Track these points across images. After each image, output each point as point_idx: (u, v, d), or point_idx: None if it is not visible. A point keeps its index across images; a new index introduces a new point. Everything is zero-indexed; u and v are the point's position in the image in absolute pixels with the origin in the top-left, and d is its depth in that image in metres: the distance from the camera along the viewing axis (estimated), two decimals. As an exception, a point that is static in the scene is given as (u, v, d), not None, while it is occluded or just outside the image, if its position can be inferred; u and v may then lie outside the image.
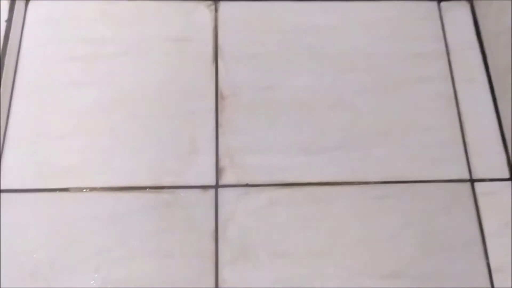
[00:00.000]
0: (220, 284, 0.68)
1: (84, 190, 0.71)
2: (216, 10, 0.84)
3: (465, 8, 0.86)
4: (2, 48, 0.74)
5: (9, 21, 0.76)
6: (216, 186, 0.73)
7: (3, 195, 0.70)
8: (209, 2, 0.84)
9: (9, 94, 0.75)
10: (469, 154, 0.77)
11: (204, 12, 0.83)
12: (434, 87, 0.81)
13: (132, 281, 0.67)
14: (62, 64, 0.78)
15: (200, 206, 0.72)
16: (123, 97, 0.77)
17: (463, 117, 0.79)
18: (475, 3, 0.85)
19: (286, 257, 0.70)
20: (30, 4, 0.81)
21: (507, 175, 0.75)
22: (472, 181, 0.75)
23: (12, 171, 0.71)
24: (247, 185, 0.73)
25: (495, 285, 0.69)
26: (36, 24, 0.80)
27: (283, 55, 0.81)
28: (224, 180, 0.73)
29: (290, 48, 0.82)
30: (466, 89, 0.81)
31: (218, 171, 0.74)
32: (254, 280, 0.68)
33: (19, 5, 0.78)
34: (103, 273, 0.67)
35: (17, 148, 0.73)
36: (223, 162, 0.74)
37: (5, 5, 0.76)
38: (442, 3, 0.86)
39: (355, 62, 0.81)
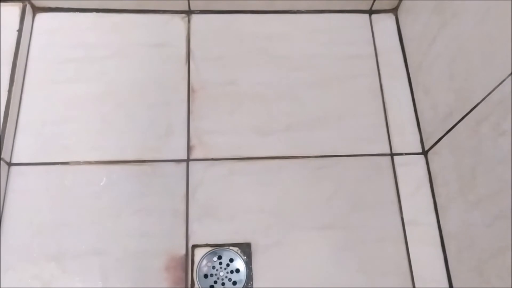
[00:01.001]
0: (190, 235, 0.86)
1: (81, 163, 0.89)
2: (189, 21, 1.02)
3: (391, 19, 1.06)
4: (15, 52, 0.91)
5: (19, 30, 0.93)
6: (187, 160, 0.91)
7: (15, 167, 0.87)
8: (183, 15, 1.03)
9: (20, 89, 0.92)
10: (390, 134, 0.95)
11: (179, 22, 1.02)
12: (364, 82, 1.00)
13: (119, 233, 0.85)
14: (62, 65, 0.95)
15: (174, 176, 0.89)
16: (112, 91, 0.94)
17: (387, 106, 0.98)
18: (399, 16, 1.05)
19: (242, 214, 0.87)
20: (37, 16, 0.99)
21: (420, 150, 0.94)
22: (392, 155, 0.94)
23: (22, 149, 0.88)
24: (212, 159, 0.91)
25: (407, 232, 0.88)
26: (41, 33, 0.97)
27: (243, 57, 1.00)
28: (194, 155, 0.91)
29: (248, 51, 1.00)
30: (390, 83, 1.00)
31: (189, 148, 0.92)
32: (217, 232, 0.86)
33: (28, 18, 0.96)
34: (97, 227, 0.85)
35: (26, 131, 0.90)
36: (193, 141, 0.92)
37: (17, 18, 0.94)
38: (373, 15, 1.06)
39: (301, 62, 1.00)
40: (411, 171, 0.93)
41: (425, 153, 0.93)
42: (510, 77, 0.66)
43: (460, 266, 0.80)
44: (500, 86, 0.68)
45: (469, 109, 0.76)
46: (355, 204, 0.90)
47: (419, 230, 0.88)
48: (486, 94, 0.71)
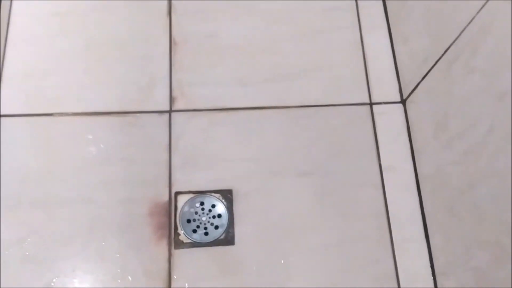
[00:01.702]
0: (173, 182, 0.88)
1: (65, 115, 0.90)
2: (170, -24, 1.03)
3: (372, -28, 1.07)
4: (-3, 6, 0.92)
5: (1, -15, 0.94)
6: (170, 111, 0.93)
7: (1, 119, 0.89)
8: (164, -31, 1.03)
9: (4, 43, 0.93)
10: (370, 84, 0.97)
11: (160, -23, 1.02)
12: (345, 34, 1.01)
13: (104, 182, 0.87)
14: (45, 19, 0.96)
15: (157, 126, 0.91)
16: (94, 44, 0.96)
17: (367, 57, 0.99)
18: (380, -32, 1.06)
19: (224, 163, 0.90)
20: (18, -29, 0.99)
21: (398, 99, 0.96)
22: (371, 104, 0.96)
23: (7, 101, 0.90)
24: (194, 110, 0.93)
25: (384, 178, 0.90)
26: (23, -13, 0.98)
27: (224, 10, 1.00)
28: (176, 106, 0.93)
29: (230, 5, 1.01)
30: (370, 35, 1.01)
31: (171, 99, 0.93)
32: (198, 179, 0.88)
33: (9, -28, 0.97)
34: (82, 176, 0.87)
35: (10, 83, 0.91)
36: (175, 93, 0.94)
37: (-2, -28, 0.94)
38: (354, -32, 1.07)
39: (282, 15, 1.01)
40: (390, 119, 0.95)
41: (403, 101, 0.95)
42: (476, 16, 0.67)
43: (434, 206, 0.83)
44: (469, 26, 0.69)
45: (442, 52, 0.77)
46: (335, 152, 0.92)
47: (396, 176, 0.91)
48: (457, 35, 0.72)
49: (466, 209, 0.72)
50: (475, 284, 0.70)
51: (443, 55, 0.77)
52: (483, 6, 0.66)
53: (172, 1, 1.00)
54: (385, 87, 0.97)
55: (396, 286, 0.84)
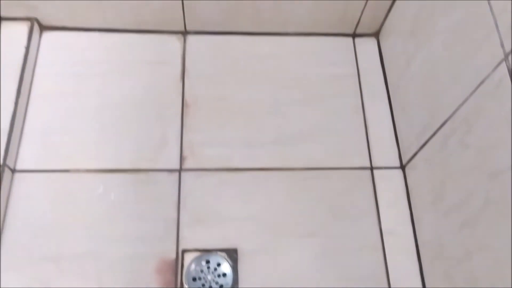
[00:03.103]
0: (180, 240, 0.91)
1: (81, 171, 0.95)
2: (184, 41, 1.10)
3: (373, 43, 1.14)
4: (22, 67, 0.98)
5: (27, 47, 1.00)
6: (180, 170, 0.97)
7: (18, 174, 0.93)
8: (179, 35, 1.10)
9: (26, 100, 0.98)
10: (370, 149, 1.02)
11: (175, 42, 1.09)
12: (347, 100, 1.06)
13: (114, 237, 0.90)
14: (65, 79, 1.02)
15: (167, 184, 0.95)
16: (111, 104, 1.01)
17: (368, 122, 1.04)
18: (380, 39, 1.13)
19: (230, 222, 0.93)
20: (43, 34, 1.06)
21: (398, 165, 1.01)
22: (372, 168, 1.00)
23: (25, 156, 0.94)
24: (203, 170, 0.97)
25: (385, 242, 0.93)
26: (47, 49, 1.04)
27: (234, 75, 1.07)
28: (186, 165, 0.97)
29: (239, 70, 1.07)
30: (371, 102, 1.06)
31: (181, 159, 0.98)
32: (206, 238, 0.92)
33: (35, 35, 1.03)
34: (93, 231, 0.90)
35: (30, 140, 0.96)
36: (186, 152, 0.98)
37: (25, 35, 1.01)
38: (356, 39, 1.14)
39: (287, 81, 1.07)
40: (390, 184, 0.99)
41: (402, 167, 0.99)
42: (471, 96, 0.72)
43: (433, 273, 0.86)
44: (464, 104, 0.75)
45: (439, 126, 0.82)
46: (337, 214, 0.96)
47: (397, 240, 0.94)
48: (453, 111, 0.78)
49: (463, 278, 0.75)
50: None
51: (439, 128, 0.82)
52: (476, 88, 0.71)
53: (186, 66, 1.06)
54: (385, 152, 1.02)
55: None
